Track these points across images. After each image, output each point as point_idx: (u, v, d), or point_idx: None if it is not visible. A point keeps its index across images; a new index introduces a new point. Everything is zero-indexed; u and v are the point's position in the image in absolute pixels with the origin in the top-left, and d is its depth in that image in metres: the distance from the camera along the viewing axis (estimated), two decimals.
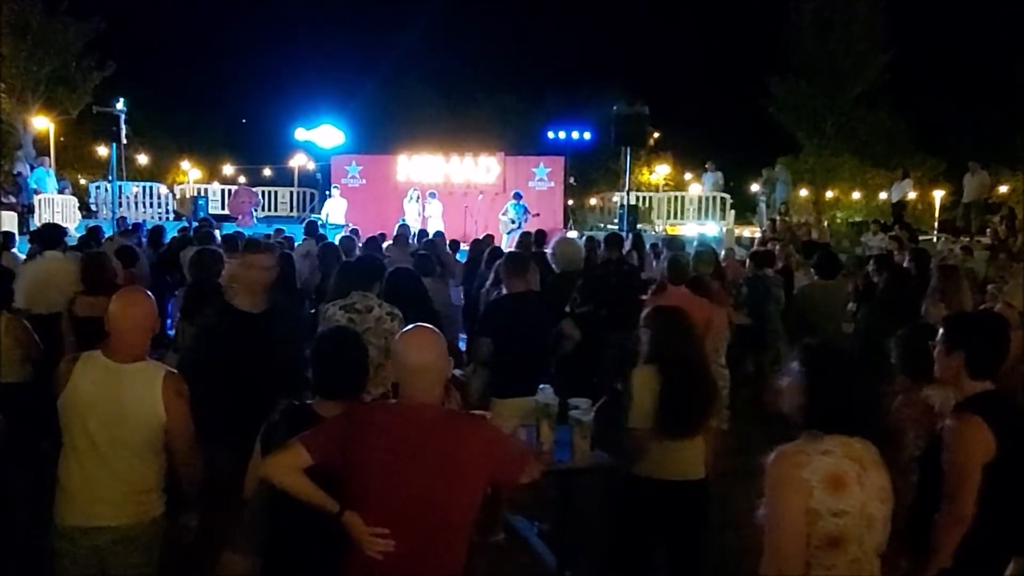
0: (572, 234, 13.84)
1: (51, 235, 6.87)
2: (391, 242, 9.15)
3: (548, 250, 7.20)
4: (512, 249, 8.94)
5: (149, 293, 3.11)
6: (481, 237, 10.07)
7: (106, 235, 10.48)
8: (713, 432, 3.57)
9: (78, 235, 11.29)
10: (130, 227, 10.76)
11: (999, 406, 2.66)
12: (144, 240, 10.59)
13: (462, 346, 5.88)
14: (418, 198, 16.70)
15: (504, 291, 4.99)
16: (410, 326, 2.50)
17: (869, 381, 2.38)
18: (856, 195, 36.07)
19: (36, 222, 14.83)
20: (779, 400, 2.38)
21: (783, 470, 2.20)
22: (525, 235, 8.66)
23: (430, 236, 9.61)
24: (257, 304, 3.84)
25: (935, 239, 17.65)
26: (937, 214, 30.90)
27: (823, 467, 2.17)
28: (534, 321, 4.74)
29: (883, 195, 29.79)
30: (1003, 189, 29.16)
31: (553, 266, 6.40)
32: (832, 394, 2.26)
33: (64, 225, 10.22)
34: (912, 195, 21.60)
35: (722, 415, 3.55)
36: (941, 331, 2.86)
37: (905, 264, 7.23)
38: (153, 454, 2.93)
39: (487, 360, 4.65)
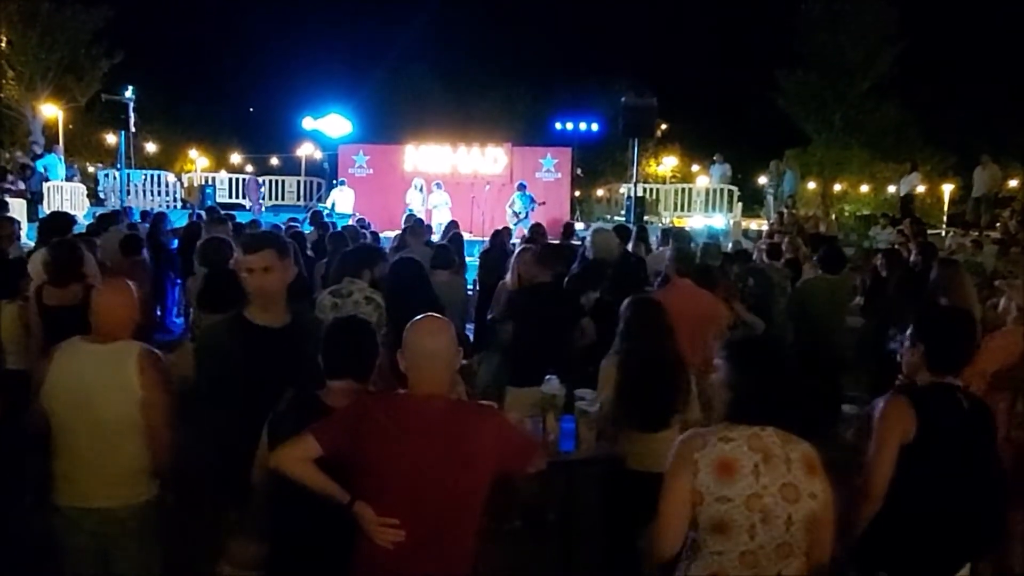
0: (579, 226, 13.85)
1: (59, 224, 6.88)
2: (401, 232, 9.16)
3: (586, 239, 7.25)
4: (516, 240, 8.99)
5: (130, 283, 3.13)
6: (500, 229, 10.09)
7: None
8: (689, 425, 3.53)
9: (86, 223, 11.31)
10: (125, 214, 10.70)
11: (941, 395, 2.64)
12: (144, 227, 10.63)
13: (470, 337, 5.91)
14: (422, 188, 16.72)
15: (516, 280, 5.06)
16: (419, 316, 2.50)
17: (789, 373, 2.38)
18: (864, 188, 35.90)
19: (45, 209, 14.89)
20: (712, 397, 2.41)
21: (679, 450, 2.29)
22: (537, 226, 8.64)
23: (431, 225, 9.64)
24: (275, 317, 3.06)
25: (944, 233, 17.57)
26: (946, 208, 30.76)
27: (716, 452, 2.21)
28: (554, 313, 4.80)
29: (892, 188, 29.63)
30: (1013, 183, 28.96)
31: (587, 254, 6.50)
32: (749, 386, 2.29)
33: (72, 213, 10.26)
34: (921, 189, 21.54)
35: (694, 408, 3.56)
36: (911, 324, 2.83)
37: (912, 258, 7.20)
38: (138, 435, 2.92)
39: (505, 346, 4.70)
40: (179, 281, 9.20)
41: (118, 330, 2.97)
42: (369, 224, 11.25)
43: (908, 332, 2.79)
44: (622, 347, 3.61)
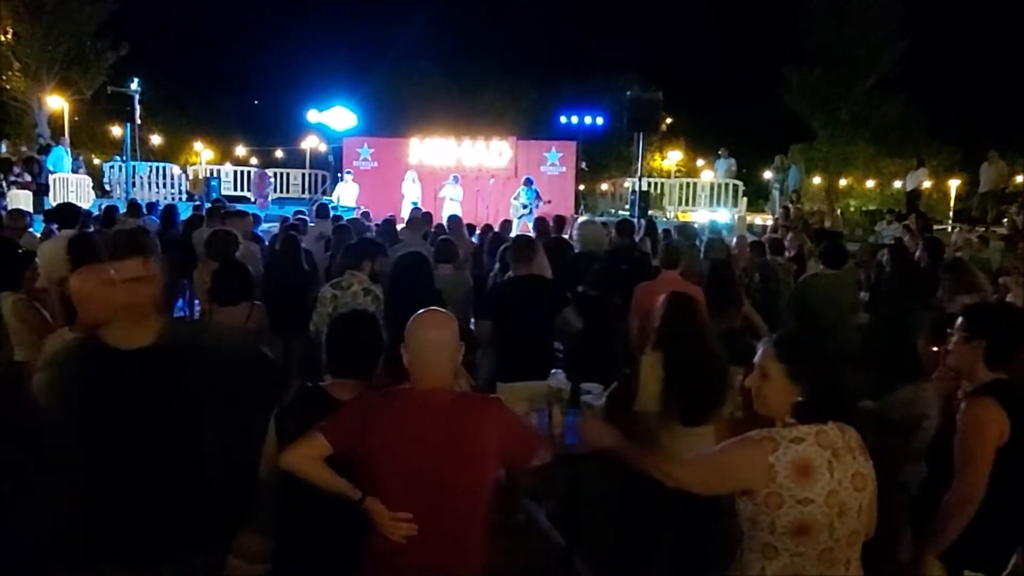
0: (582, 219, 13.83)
1: (67, 214, 6.91)
2: (403, 225, 9.16)
3: (574, 232, 7.24)
4: (521, 233, 8.97)
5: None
6: (488, 225, 10.08)
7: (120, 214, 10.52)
8: (726, 421, 3.55)
9: (93, 215, 11.33)
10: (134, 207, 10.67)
11: (1014, 392, 2.67)
12: (156, 220, 10.63)
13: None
14: (414, 179, 16.69)
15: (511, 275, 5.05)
16: (422, 310, 2.50)
17: (839, 369, 2.39)
18: (870, 184, 35.80)
19: (51, 201, 14.93)
20: (751, 398, 2.38)
21: (750, 452, 2.23)
22: (541, 220, 8.63)
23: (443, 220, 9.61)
24: (138, 336, 2.44)
25: (950, 229, 17.52)
26: (952, 204, 30.64)
27: (791, 454, 2.19)
28: (536, 305, 4.75)
29: (897, 184, 29.55)
30: (1020, 179, 28.87)
31: (575, 246, 6.48)
32: (811, 387, 2.26)
33: (79, 205, 10.27)
34: (927, 184, 21.42)
35: (737, 403, 3.56)
36: (961, 319, 2.85)
37: (918, 254, 7.19)
38: None
39: (489, 342, 4.70)
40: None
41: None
42: (370, 217, 11.26)
43: (960, 326, 2.81)
44: (662, 342, 3.58)
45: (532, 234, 7.75)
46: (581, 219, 7.76)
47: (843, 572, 2.25)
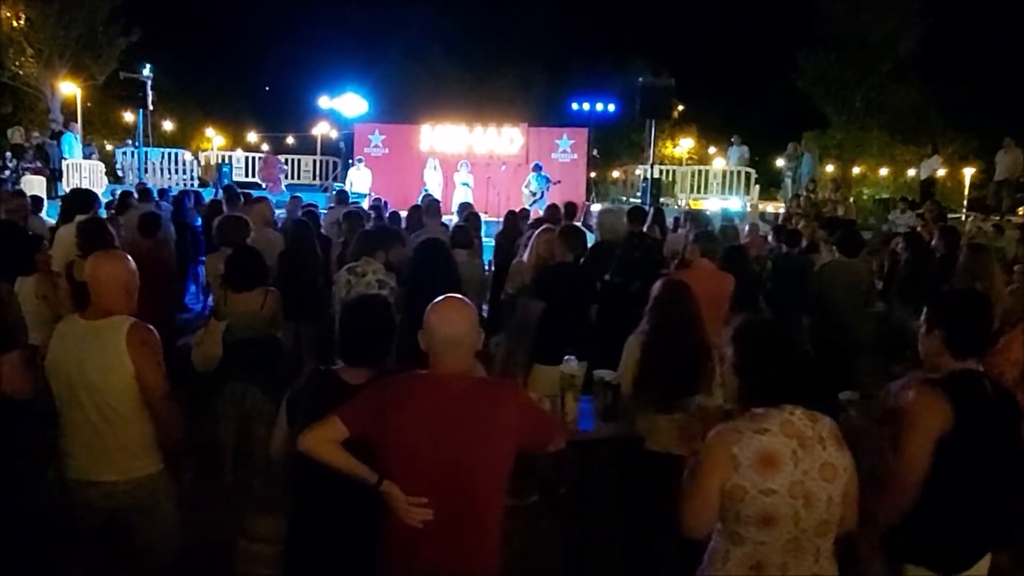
0: (596, 207, 13.81)
1: (82, 200, 6.93)
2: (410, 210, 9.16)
3: (593, 220, 7.26)
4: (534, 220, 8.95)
5: (127, 255, 3.09)
6: (514, 211, 10.08)
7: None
8: (711, 410, 3.53)
9: (105, 200, 11.38)
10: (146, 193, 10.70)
11: (970, 385, 2.58)
12: (167, 205, 10.67)
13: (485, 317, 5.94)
14: (436, 167, 16.67)
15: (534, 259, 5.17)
16: (441, 297, 2.48)
17: (797, 350, 2.38)
18: (884, 171, 35.50)
19: (64, 187, 15.00)
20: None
21: (712, 444, 2.25)
22: (553, 208, 8.61)
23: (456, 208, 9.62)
24: None
25: (964, 217, 17.37)
26: (967, 192, 30.35)
27: (755, 445, 2.19)
28: (580, 291, 5.00)
29: (912, 172, 29.29)
30: None
31: (595, 235, 6.52)
32: (760, 367, 2.28)
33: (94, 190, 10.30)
34: (941, 172, 21.25)
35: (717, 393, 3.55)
36: (925, 309, 2.77)
37: (934, 243, 7.13)
38: (134, 410, 2.92)
39: (524, 322, 4.77)
40: (202, 259, 9.25)
41: (112, 304, 2.93)
42: (386, 204, 11.27)
43: (923, 318, 2.74)
44: (648, 326, 3.61)
45: (544, 221, 7.75)
46: (601, 207, 7.75)
47: (811, 562, 2.24)
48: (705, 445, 2.28)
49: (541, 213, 11.21)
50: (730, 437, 2.22)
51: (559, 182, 15.33)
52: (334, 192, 12.28)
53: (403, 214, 8.95)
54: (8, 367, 2.84)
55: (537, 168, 15.78)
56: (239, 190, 10.13)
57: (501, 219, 9.31)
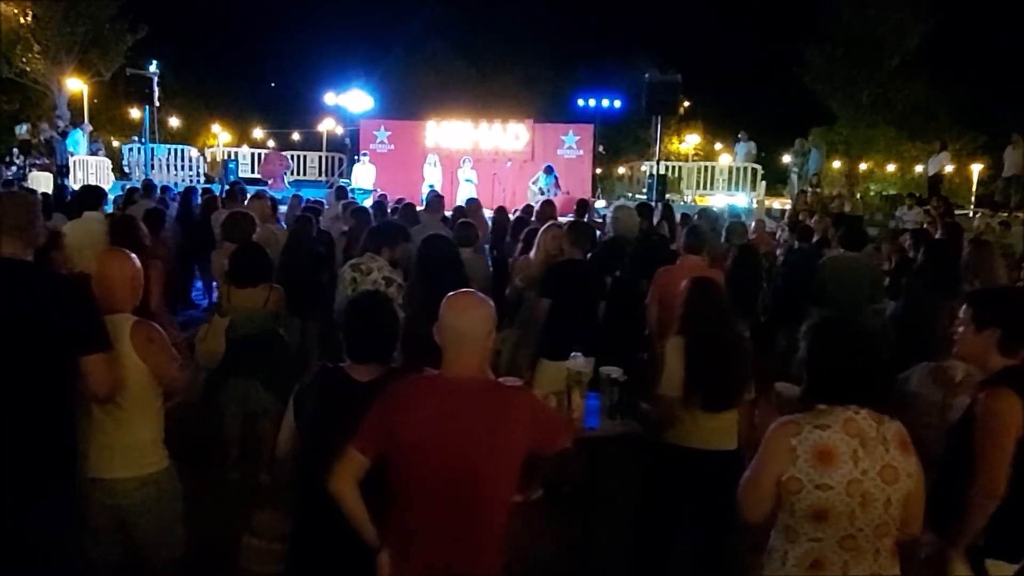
0: (600, 203, 13.78)
1: (91, 197, 6.93)
2: (422, 208, 9.14)
3: (607, 217, 7.27)
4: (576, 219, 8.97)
5: (132, 254, 3.09)
6: (521, 207, 10.08)
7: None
8: (748, 404, 3.54)
9: (112, 196, 11.41)
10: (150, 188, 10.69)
11: None
12: (171, 202, 10.68)
13: None
14: (435, 163, 16.65)
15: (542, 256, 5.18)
16: (454, 292, 2.46)
17: (869, 350, 2.36)
18: (891, 167, 35.35)
19: (71, 183, 15.03)
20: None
21: (774, 436, 2.28)
22: (548, 204, 8.59)
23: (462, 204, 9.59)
24: None
25: (972, 214, 17.28)
26: (975, 188, 30.20)
27: (813, 439, 2.21)
28: (588, 287, 5.00)
29: (919, 168, 29.16)
30: None
31: (608, 231, 6.54)
32: (826, 365, 2.30)
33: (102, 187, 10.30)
34: (949, 168, 21.14)
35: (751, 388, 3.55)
36: (966, 307, 2.78)
37: (937, 238, 7.10)
38: (139, 408, 2.93)
39: (528, 317, 4.76)
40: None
41: (117, 301, 2.94)
42: (386, 199, 11.27)
43: (967, 316, 2.75)
44: (685, 327, 3.57)
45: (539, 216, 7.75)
46: (616, 203, 7.77)
47: (871, 562, 2.25)
48: (766, 436, 2.31)
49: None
50: (790, 429, 2.25)
51: (568, 193, 15.25)
52: (331, 189, 12.26)
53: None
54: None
55: (548, 169, 15.75)
56: (245, 187, 10.14)
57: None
